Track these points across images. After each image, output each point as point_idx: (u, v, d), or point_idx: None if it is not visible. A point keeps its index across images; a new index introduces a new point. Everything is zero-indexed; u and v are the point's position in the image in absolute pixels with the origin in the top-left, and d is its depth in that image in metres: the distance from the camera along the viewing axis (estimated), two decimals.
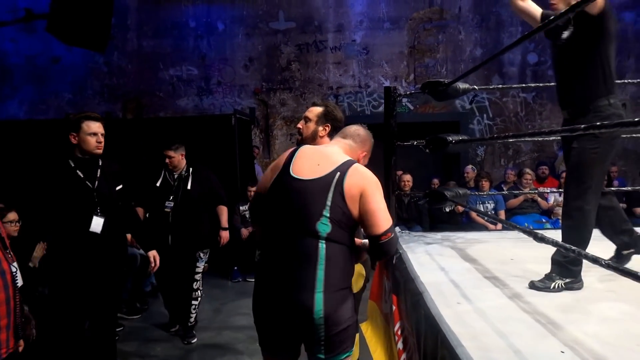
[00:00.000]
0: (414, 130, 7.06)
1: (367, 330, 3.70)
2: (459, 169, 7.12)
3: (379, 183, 1.73)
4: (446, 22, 7.26)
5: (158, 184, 3.68)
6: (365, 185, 1.68)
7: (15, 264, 1.97)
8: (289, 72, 7.36)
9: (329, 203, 1.64)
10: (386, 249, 1.72)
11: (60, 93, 7.45)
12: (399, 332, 2.70)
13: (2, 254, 1.77)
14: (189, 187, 3.66)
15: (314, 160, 1.74)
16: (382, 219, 1.69)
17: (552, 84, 2.48)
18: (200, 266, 3.76)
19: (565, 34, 2.03)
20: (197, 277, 3.74)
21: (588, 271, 2.18)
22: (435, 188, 5.27)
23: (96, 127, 2.69)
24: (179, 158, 3.70)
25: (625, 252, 2.37)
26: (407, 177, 5.76)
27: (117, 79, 7.43)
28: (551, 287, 2.11)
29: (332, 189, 1.65)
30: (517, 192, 5.52)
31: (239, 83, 7.38)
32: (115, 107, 7.42)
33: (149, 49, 7.41)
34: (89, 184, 2.72)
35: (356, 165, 1.74)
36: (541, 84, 5.28)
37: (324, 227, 1.63)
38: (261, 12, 7.32)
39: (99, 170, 2.78)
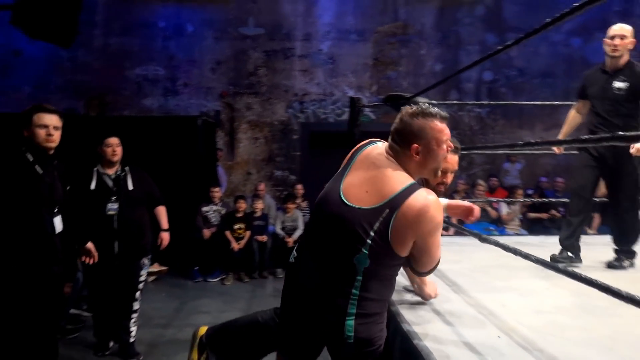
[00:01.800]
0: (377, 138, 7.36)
1: None
2: None
3: (439, 222, 1.45)
4: (409, 37, 7.60)
5: (93, 187, 3.19)
6: (417, 233, 1.44)
7: None
8: (256, 77, 7.49)
9: (369, 242, 1.44)
10: (423, 276, 1.83)
11: (20, 87, 7.31)
12: None
13: None
14: (130, 187, 3.28)
15: (366, 182, 1.52)
16: (428, 261, 1.54)
17: (505, 102, 2.92)
18: (144, 274, 3.39)
19: (622, 87, 2.91)
20: (141, 286, 3.36)
21: (526, 269, 2.45)
22: None
23: (47, 119, 2.47)
24: (121, 150, 3.28)
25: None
26: None
27: (82, 76, 7.36)
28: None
29: (376, 226, 1.44)
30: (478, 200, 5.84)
31: (205, 85, 7.45)
32: (78, 104, 7.35)
33: (116, 46, 7.38)
34: (47, 180, 2.53)
35: (413, 198, 1.42)
36: (493, 102, 5.62)
37: (364, 261, 1.45)
38: (231, 16, 7.44)
39: (54, 170, 2.59)
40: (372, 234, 1.43)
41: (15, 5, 5.46)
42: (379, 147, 1.60)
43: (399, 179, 1.47)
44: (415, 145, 1.49)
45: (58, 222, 2.58)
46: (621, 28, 2.96)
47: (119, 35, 7.39)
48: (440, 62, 7.62)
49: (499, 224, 6.01)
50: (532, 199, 5.73)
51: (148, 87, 7.42)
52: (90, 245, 2.94)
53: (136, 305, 3.36)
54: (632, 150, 2.86)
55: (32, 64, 7.30)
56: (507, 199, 5.94)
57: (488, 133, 7.60)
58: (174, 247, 3.94)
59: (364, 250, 1.44)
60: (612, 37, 2.95)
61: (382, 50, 7.58)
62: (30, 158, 2.49)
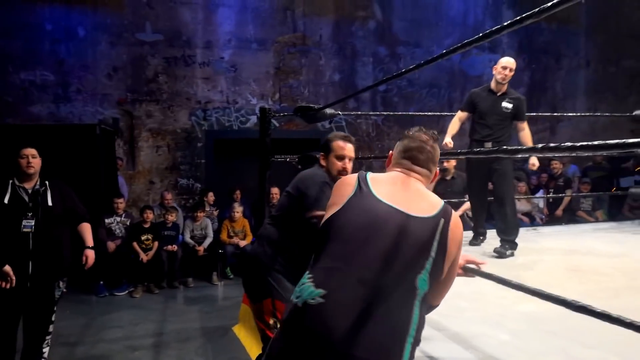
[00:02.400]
0: (279, 146, 7.57)
1: (241, 332, 4.01)
2: None
3: None
4: (308, 48, 7.92)
5: (6, 201, 2.95)
6: (459, 247, 1.37)
7: None
8: (155, 84, 7.32)
9: (433, 254, 1.27)
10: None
11: None
12: None
13: None
14: (50, 203, 3.06)
15: (411, 193, 1.40)
16: (446, 292, 1.43)
17: (399, 113, 3.40)
18: (58, 295, 3.21)
19: (509, 107, 3.80)
20: (55, 308, 3.19)
21: None
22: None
23: None
24: (39, 162, 3.07)
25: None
26: (275, 190, 6.18)
27: None
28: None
29: (437, 237, 1.29)
30: None
31: (101, 92, 7.12)
32: None
33: None
34: None
35: (455, 214, 1.38)
36: (389, 112, 6.09)
37: (423, 284, 1.25)
38: (127, 22, 7.20)
39: None
40: (435, 244, 1.28)
41: None
42: (389, 174, 1.52)
43: (433, 194, 1.44)
44: (436, 171, 1.55)
45: None
46: (508, 61, 3.76)
47: None
48: (338, 72, 8.05)
49: None
50: None
51: (36, 93, 6.91)
52: (7, 268, 2.76)
53: (51, 328, 3.17)
54: (531, 166, 3.87)
55: None
56: None
57: (384, 139, 8.18)
58: (74, 262, 3.50)
59: (427, 266, 1.26)
60: (504, 68, 3.73)
61: (283, 59, 7.82)
62: None
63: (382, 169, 6.31)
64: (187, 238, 6.03)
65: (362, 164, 8.08)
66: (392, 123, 8.19)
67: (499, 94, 3.80)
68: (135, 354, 3.66)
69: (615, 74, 9.30)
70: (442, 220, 1.32)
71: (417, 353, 1.23)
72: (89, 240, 3.32)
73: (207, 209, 6.57)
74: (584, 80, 9.23)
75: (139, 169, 7.29)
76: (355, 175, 1.45)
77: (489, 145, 3.72)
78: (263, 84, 7.76)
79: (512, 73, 3.75)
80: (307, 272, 1.30)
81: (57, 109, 6.98)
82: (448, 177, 5.82)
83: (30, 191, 3.02)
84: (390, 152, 1.60)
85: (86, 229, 3.33)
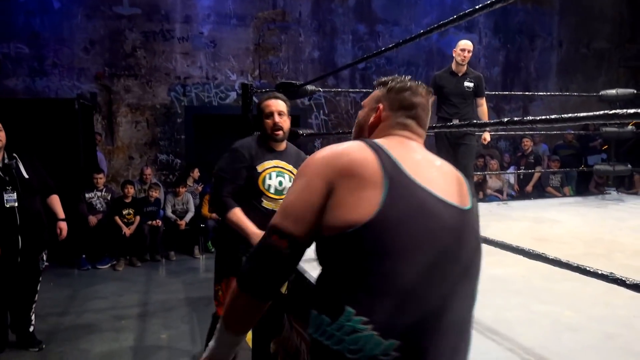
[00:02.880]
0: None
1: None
2: None
3: None
4: (288, 25, 7.93)
5: None
6: None
7: None
8: (134, 59, 7.26)
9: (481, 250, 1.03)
10: None
11: None
12: None
13: None
14: (25, 175, 3.07)
15: (436, 169, 1.05)
16: None
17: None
18: (42, 267, 3.32)
19: (471, 85, 4.07)
20: (40, 278, 3.29)
21: None
22: None
23: None
24: (4, 136, 3.04)
25: None
26: None
27: None
28: None
29: (478, 228, 1.04)
30: None
31: (78, 66, 7.03)
32: None
33: None
34: None
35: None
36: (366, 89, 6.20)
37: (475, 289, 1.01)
38: None
39: None
40: (479, 238, 1.03)
41: None
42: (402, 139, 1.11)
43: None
44: None
45: None
46: (466, 44, 4.02)
47: None
48: (317, 49, 8.09)
49: None
50: None
51: (10, 67, 6.78)
52: None
53: (36, 297, 3.30)
54: (482, 140, 4.22)
55: None
56: None
57: None
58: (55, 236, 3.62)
59: (479, 267, 1.01)
60: (463, 50, 4.01)
61: (262, 36, 7.82)
62: None
63: None
64: (169, 212, 6.11)
65: (340, 140, 8.21)
66: None
67: (460, 75, 4.08)
68: (122, 323, 3.78)
69: (585, 55, 9.58)
70: (474, 199, 1.04)
71: None
72: (60, 213, 3.35)
73: (191, 184, 6.64)
74: (556, 61, 9.48)
75: (118, 144, 7.27)
76: (370, 152, 0.97)
77: (456, 121, 3.94)
78: (242, 60, 7.76)
79: (470, 54, 4.03)
80: (349, 307, 0.87)
81: (33, 83, 6.88)
82: None
83: (0, 165, 2.99)
84: (380, 105, 1.15)
85: (56, 201, 3.35)
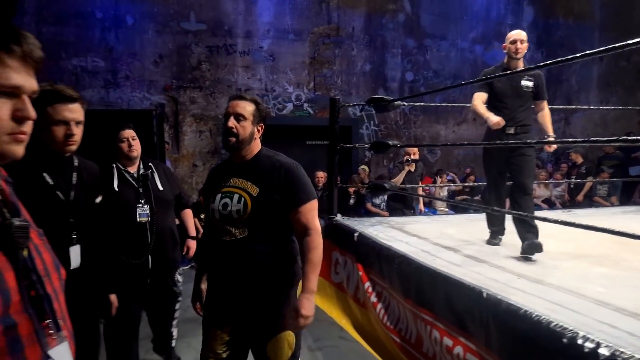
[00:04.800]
0: (314, 132, 8.01)
1: (317, 300, 4.49)
2: (350, 167, 8.22)
3: None
4: (341, 39, 8.32)
5: (116, 187, 2.59)
6: None
7: None
8: (199, 72, 7.69)
9: None
10: None
11: None
12: (370, 290, 3.54)
13: None
14: (160, 187, 2.71)
15: None
16: None
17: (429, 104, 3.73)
18: (178, 290, 2.93)
19: (530, 85, 3.28)
20: (179, 298, 2.94)
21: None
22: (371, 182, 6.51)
23: (67, 111, 1.85)
24: (139, 144, 2.73)
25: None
26: (321, 174, 6.63)
27: None
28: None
29: None
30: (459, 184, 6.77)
31: (148, 78, 7.48)
32: None
33: (49, 35, 7.09)
34: (60, 195, 1.94)
35: None
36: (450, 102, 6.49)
37: None
38: (172, 11, 7.53)
39: (74, 175, 2.02)
40: None
41: None
42: None
43: None
44: None
45: (77, 253, 1.94)
46: (519, 33, 3.24)
47: (52, 25, 7.11)
48: (369, 62, 8.46)
49: (430, 206, 7.03)
50: (464, 184, 6.82)
51: (87, 79, 7.26)
52: (113, 298, 2.27)
53: (176, 314, 2.96)
54: (547, 148, 3.78)
55: None
56: (439, 185, 6.97)
57: (410, 127, 8.64)
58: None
59: None
60: (514, 42, 3.22)
61: (317, 50, 8.21)
62: (38, 165, 1.90)
63: (408, 154, 6.73)
64: None
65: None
66: (419, 112, 8.64)
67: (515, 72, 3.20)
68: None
69: (626, 68, 9.81)
70: None
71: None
72: (192, 229, 3.08)
73: None
74: (597, 74, 9.73)
75: (183, 152, 7.69)
76: None
77: (510, 131, 3.21)
78: (299, 73, 8.16)
79: (525, 45, 3.23)
80: None
81: (107, 95, 7.34)
82: (413, 170, 5.85)
83: (136, 175, 2.66)
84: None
85: (189, 217, 3.08)
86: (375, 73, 8.49)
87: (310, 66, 8.20)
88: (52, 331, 0.83)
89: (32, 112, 0.82)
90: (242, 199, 1.93)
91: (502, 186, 3.43)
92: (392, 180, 5.58)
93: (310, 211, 1.97)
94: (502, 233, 3.41)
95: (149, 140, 6.35)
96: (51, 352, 0.81)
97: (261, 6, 7.92)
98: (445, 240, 3.50)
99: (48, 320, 0.82)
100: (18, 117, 0.81)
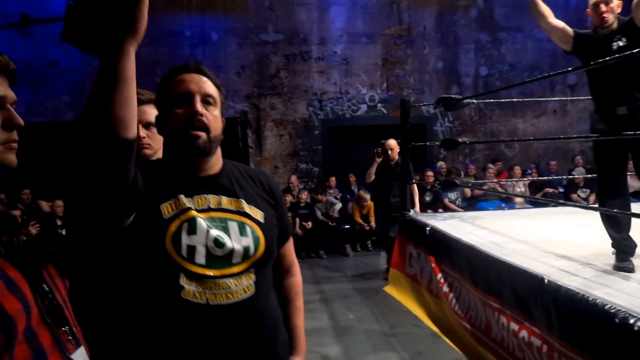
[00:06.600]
0: (389, 131, 8.21)
1: (392, 291, 4.75)
2: (424, 163, 8.31)
3: None
4: (413, 39, 8.45)
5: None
6: None
7: None
8: (277, 79, 8.20)
9: None
10: None
11: (58, 96, 7.77)
12: (442, 280, 3.75)
13: None
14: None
15: None
16: None
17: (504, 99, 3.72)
18: None
19: (621, 44, 2.47)
20: None
21: None
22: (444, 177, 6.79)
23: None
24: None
25: None
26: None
27: None
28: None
29: None
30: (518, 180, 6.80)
31: (232, 88, 8.09)
32: None
33: (146, 55, 7.90)
34: None
35: None
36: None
37: None
38: (252, 24, 8.09)
39: None
40: None
41: (66, 23, 6.03)
42: None
43: None
44: None
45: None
46: None
47: (148, 45, 7.91)
48: (441, 60, 8.52)
49: (508, 200, 6.99)
50: (539, 178, 6.74)
51: None
52: None
53: None
54: None
55: (68, 73, 7.76)
56: (515, 179, 6.92)
57: (486, 122, 8.58)
58: None
59: None
60: (596, 5, 2.56)
61: (389, 50, 8.41)
62: None
63: (484, 150, 6.79)
64: (319, 215, 6.88)
65: (466, 145, 8.53)
66: (494, 106, 8.55)
67: (607, 35, 2.58)
68: (311, 306, 4.49)
69: None
70: None
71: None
72: None
73: (331, 191, 7.40)
74: None
75: (265, 155, 8.23)
76: None
77: (622, 110, 2.53)
78: (372, 74, 8.41)
79: (613, 5, 2.55)
80: None
81: None
82: (392, 163, 5.39)
83: None
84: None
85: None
86: (449, 70, 8.52)
87: (382, 67, 8.41)
88: (70, 337, 0.85)
89: (20, 120, 0.86)
90: (250, 230, 1.18)
91: (623, 184, 2.68)
92: (367, 173, 5.71)
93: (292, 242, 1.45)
94: (633, 245, 2.60)
95: (234, 145, 6.94)
96: (72, 357, 0.84)
97: (334, 13, 8.27)
98: (513, 232, 3.63)
99: (64, 327, 0.85)
100: (9, 126, 0.84)
